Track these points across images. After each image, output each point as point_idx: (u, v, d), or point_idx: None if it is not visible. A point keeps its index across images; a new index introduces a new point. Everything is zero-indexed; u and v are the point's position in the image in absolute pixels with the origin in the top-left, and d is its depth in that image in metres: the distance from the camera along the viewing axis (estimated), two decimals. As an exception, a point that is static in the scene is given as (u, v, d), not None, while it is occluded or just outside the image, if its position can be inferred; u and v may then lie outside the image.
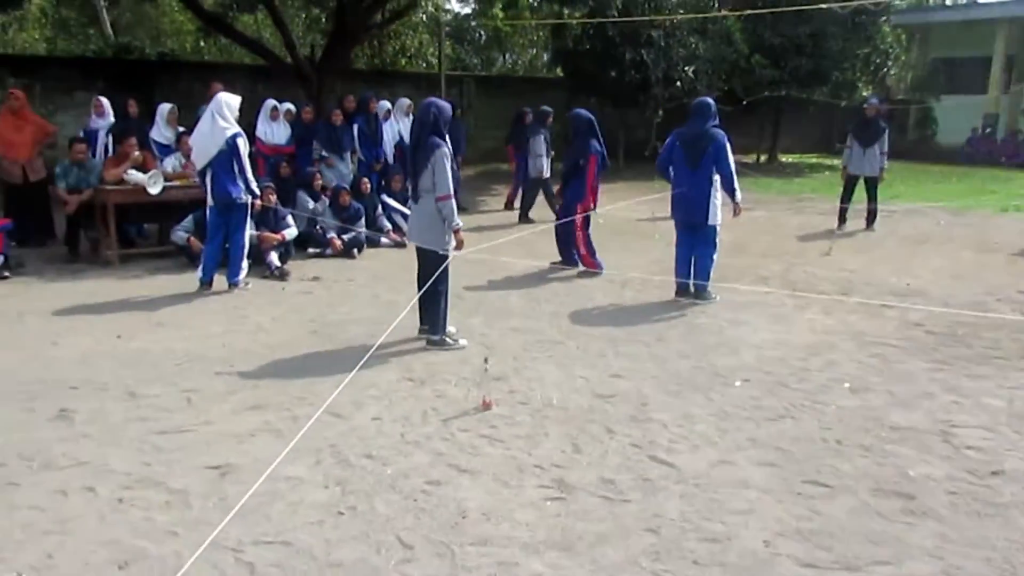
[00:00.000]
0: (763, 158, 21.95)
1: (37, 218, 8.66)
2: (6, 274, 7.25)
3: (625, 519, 3.24)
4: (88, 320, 6.04)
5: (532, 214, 11.12)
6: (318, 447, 3.85)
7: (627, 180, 15.83)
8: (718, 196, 6.58)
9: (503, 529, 3.16)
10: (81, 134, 8.95)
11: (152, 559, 2.92)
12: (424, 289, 5.29)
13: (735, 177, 6.53)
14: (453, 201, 5.25)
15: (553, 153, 11.36)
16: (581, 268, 7.73)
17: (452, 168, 5.26)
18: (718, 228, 6.64)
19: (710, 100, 6.71)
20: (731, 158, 6.50)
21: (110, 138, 8.87)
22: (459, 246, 5.42)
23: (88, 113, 9.49)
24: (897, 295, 6.94)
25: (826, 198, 13.08)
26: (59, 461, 3.69)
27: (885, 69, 20.39)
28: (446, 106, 5.36)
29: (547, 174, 11.09)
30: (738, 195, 6.64)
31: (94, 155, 8.63)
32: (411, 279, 5.70)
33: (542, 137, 10.98)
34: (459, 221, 5.29)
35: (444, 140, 5.26)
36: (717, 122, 6.58)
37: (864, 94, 19.39)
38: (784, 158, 22.75)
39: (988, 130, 21.34)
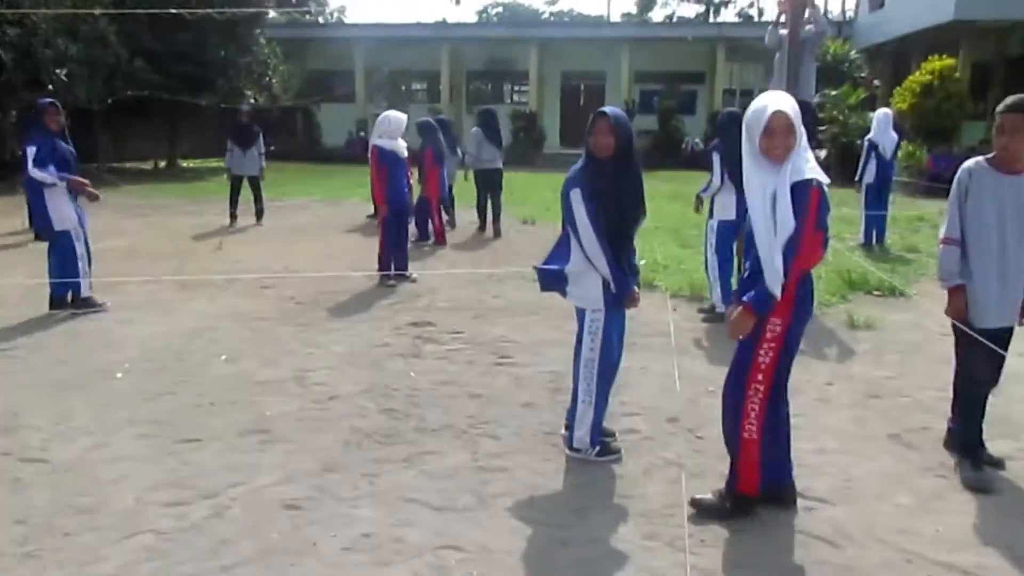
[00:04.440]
0: (163, 164, 21.74)
1: None
2: None
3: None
4: None
5: None
6: None
7: None
8: (60, 203, 6.38)
9: None
10: None
11: None
12: None
13: None
14: None
15: None
16: None
17: None
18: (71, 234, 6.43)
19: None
20: None
21: None
22: None
23: None
24: (276, 276, 7.83)
25: (223, 199, 13.68)
26: None
27: (267, 78, 21.96)
28: None
29: None
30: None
31: None
32: None
33: None
34: None
35: None
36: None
37: (253, 100, 20.61)
38: (186, 163, 22.86)
39: (361, 133, 24.65)
